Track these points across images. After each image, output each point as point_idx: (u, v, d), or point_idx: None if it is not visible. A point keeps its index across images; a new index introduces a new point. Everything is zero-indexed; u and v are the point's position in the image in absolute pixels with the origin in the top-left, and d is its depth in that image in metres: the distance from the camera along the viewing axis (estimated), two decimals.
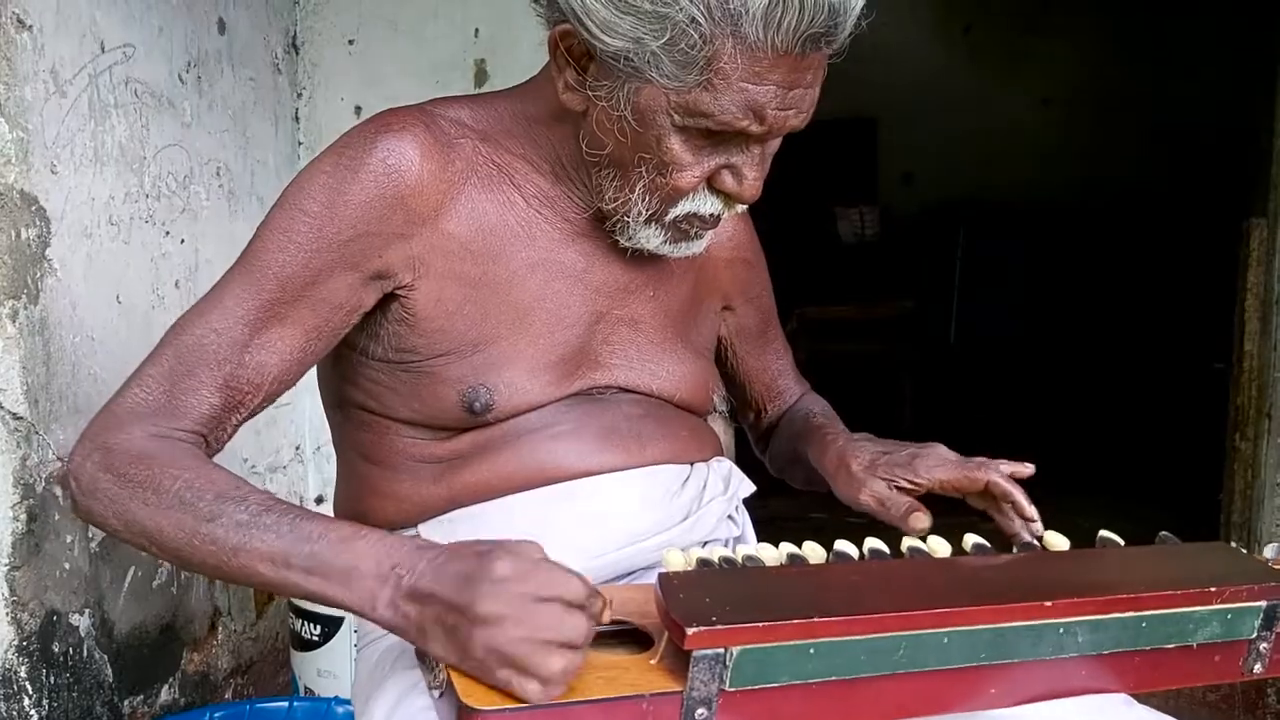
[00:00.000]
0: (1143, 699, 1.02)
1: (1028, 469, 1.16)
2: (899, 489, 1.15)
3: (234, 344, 1.02)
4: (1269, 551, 1.15)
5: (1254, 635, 1.00)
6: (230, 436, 1.05)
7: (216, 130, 2.20)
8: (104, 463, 0.96)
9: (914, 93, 6.28)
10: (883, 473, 1.16)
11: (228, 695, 2.23)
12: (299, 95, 2.53)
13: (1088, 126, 6.21)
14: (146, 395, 1.00)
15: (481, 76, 2.47)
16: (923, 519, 1.12)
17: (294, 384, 1.07)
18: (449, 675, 0.83)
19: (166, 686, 2.03)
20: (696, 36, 0.92)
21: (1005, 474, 1.13)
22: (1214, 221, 3.73)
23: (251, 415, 1.05)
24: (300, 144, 2.53)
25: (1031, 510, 1.12)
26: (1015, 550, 1.06)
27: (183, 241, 2.07)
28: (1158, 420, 4.97)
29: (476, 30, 2.47)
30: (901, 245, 6.06)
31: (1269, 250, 2.37)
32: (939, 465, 1.15)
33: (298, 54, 2.51)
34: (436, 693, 0.86)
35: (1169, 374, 5.23)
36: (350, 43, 2.52)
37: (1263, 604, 0.99)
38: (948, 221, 6.00)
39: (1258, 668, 1.02)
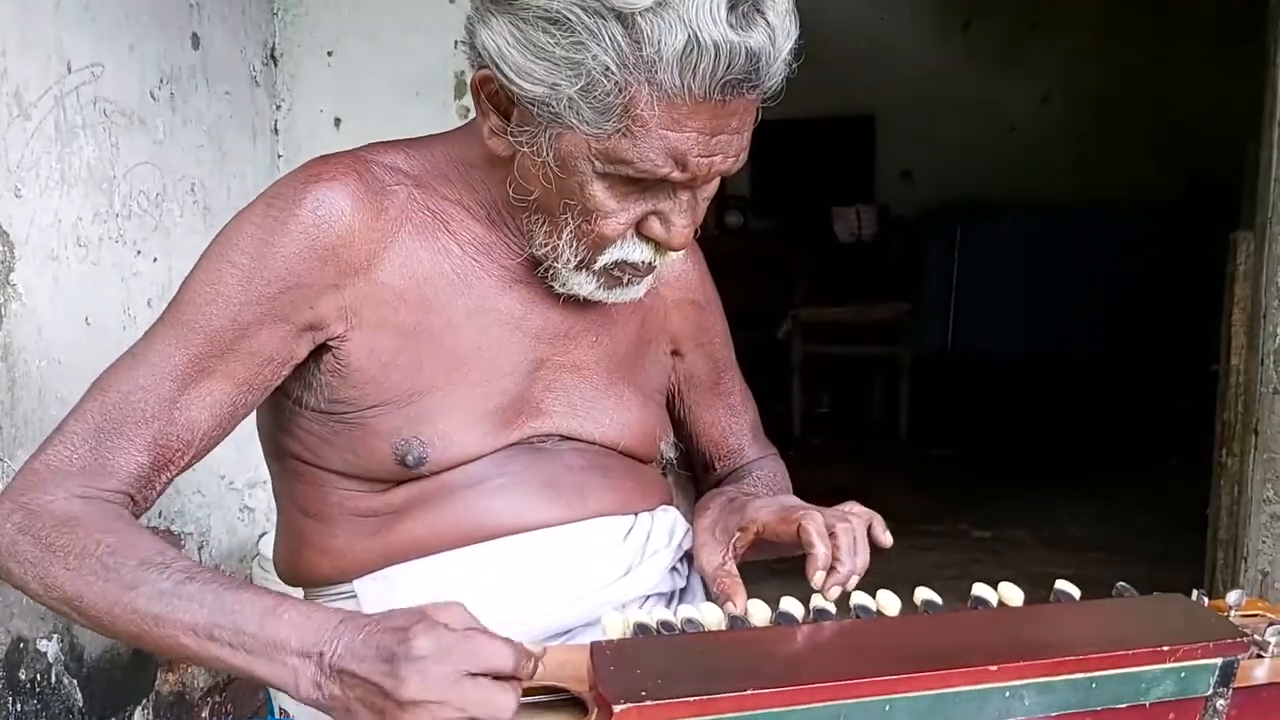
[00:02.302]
0: None
1: (881, 538, 1.08)
2: (741, 531, 1.10)
3: (162, 400, 0.99)
4: (1232, 598, 1.12)
5: (1210, 692, 0.98)
6: (159, 495, 1.03)
7: (191, 146, 2.18)
8: (24, 524, 0.94)
9: (912, 90, 6.25)
10: (720, 527, 1.12)
11: (205, 715, 2.22)
12: (278, 107, 2.51)
13: (1088, 124, 6.17)
14: (71, 453, 0.98)
15: (461, 88, 2.45)
16: (731, 609, 1.02)
17: (225, 438, 1.05)
18: None
19: (140, 709, 2.02)
20: (611, 84, 0.90)
21: (821, 525, 1.04)
22: (1215, 220, 3.70)
23: (180, 472, 1.03)
24: (280, 156, 2.51)
25: (818, 576, 1.02)
26: (969, 605, 1.04)
27: (155, 260, 2.06)
28: (1155, 423, 4.94)
29: (456, 42, 2.44)
30: (899, 245, 6.02)
31: (1256, 264, 2.33)
32: (765, 507, 1.10)
33: (276, 66, 2.49)
34: None
35: (1167, 375, 5.20)
36: (329, 54, 2.50)
37: (1218, 661, 0.97)
38: (946, 221, 5.96)
39: None
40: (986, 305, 5.78)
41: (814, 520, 1.04)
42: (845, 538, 1.03)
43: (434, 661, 0.78)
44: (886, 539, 1.08)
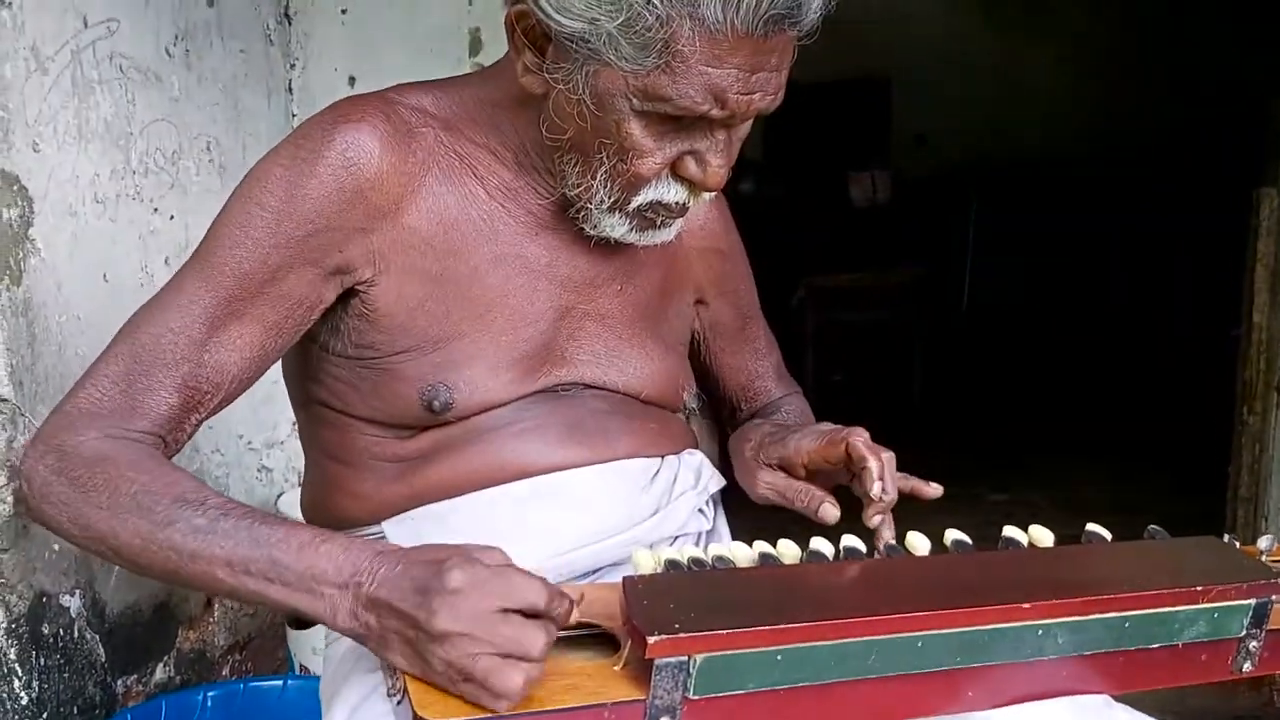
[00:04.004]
0: (1125, 699, 1.00)
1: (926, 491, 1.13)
2: (783, 469, 1.13)
3: (192, 343, 0.99)
4: (1263, 543, 1.11)
5: (1243, 633, 0.97)
6: (189, 437, 1.02)
7: (206, 104, 2.16)
8: (57, 466, 0.94)
9: (928, 53, 6.21)
10: (764, 455, 1.13)
11: (225, 672, 2.23)
12: (292, 66, 2.49)
13: (1104, 87, 6.12)
14: (102, 395, 0.98)
15: (476, 45, 2.43)
16: (831, 511, 1.08)
17: (254, 382, 1.04)
18: (405, 683, 0.81)
19: (161, 665, 2.03)
20: (653, 18, 0.89)
21: (868, 438, 1.08)
22: (1232, 182, 3.68)
23: (211, 415, 1.03)
24: (294, 115, 2.49)
25: (877, 485, 1.05)
26: (1000, 546, 1.03)
27: (172, 218, 2.05)
28: (1173, 386, 4.92)
29: None
30: (914, 209, 5.99)
31: (1279, 220, 2.32)
32: (806, 437, 1.11)
33: (290, 24, 2.47)
34: (395, 699, 0.84)
35: (1186, 339, 5.18)
36: (343, 12, 2.47)
37: (1251, 602, 0.96)
38: (961, 185, 5.93)
39: (1247, 666, 0.99)
40: (1002, 269, 5.75)
41: (861, 434, 1.08)
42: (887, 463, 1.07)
43: (466, 595, 0.79)
44: (932, 490, 1.13)
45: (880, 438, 1.16)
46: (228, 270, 1.00)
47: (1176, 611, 0.93)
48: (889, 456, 1.07)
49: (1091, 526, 1.06)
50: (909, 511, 1.08)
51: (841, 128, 6.30)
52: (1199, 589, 0.93)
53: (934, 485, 1.12)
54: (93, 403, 0.98)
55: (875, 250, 5.61)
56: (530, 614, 0.81)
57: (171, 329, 0.99)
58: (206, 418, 1.03)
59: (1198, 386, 4.29)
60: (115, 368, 0.99)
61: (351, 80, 2.48)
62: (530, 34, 0.97)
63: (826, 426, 1.13)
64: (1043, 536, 1.03)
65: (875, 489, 1.04)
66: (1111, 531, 1.05)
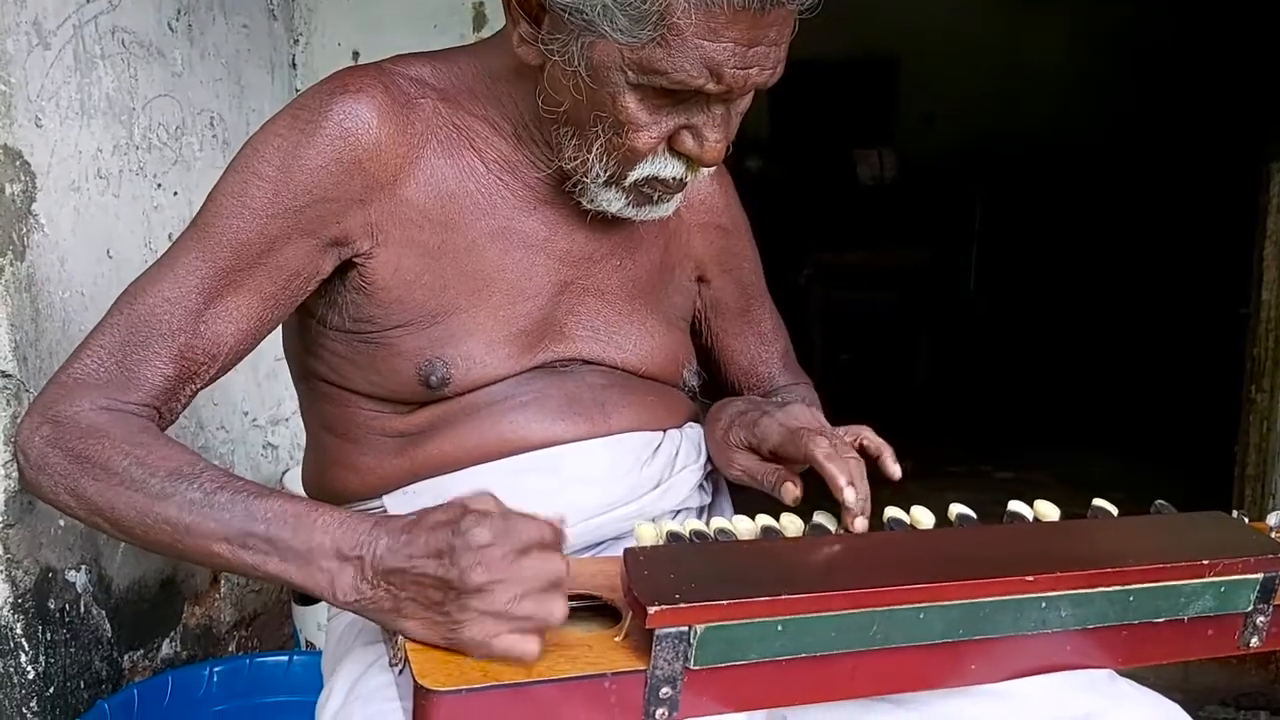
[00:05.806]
0: (1130, 674, 0.99)
1: (891, 468, 1.05)
2: (754, 450, 1.08)
3: (188, 313, 0.99)
4: (1273, 519, 1.11)
5: (1250, 608, 0.97)
6: (184, 407, 1.02)
7: (209, 79, 2.15)
8: (53, 437, 0.94)
9: (936, 32, 6.16)
10: (733, 437, 1.10)
11: (231, 648, 2.24)
12: (295, 41, 2.48)
13: (1112, 68, 6.08)
14: (97, 366, 0.97)
15: (480, 20, 2.42)
16: (792, 489, 1.03)
17: (250, 352, 1.04)
18: (406, 652, 0.81)
19: (168, 640, 2.04)
20: None
21: (826, 449, 1.00)
22: (1240, 161, 3.65)
23: (206, 385, 1.02)
24: (297, 91, 2.48)
25: (845, 495, 0.97)
26: (1004, 520, 1.03)
27: (175, 194, 2.04)
28: (1180, 367, 4.90)
29: None
30: (921, 190, 5.96)
31: None
32: (772, 430, 1.05)
33: None
34: (396, 669, 0.84)
35: (1193, 318, 5.15)
36: None
37: (1259, 576, 0.95)
38: (968, 164, 5.90)
39: (1254, 641, 0.99)
40: (1009, 251, 5.73)
41: (821, 445, 1.00)
42: (854, 466, 1.00)
43: (493, 546, 0.79)
44: (895, 470, 1.05)
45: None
46: (225, 240, 0.99)
47: (1182, 585, 0.93)
48: (856, 463, 1.01)
49: (1098, 502, 1.05)
50: (915, 487, 1.06)
51: (848, 106, 6.27)
52: (1205, 563, 0.93)
53: (897, 467, 1.05)
54: (88, 373, 0.98)
55: (883, 230, 5.59)
56: (547, 548, 0.82)
57: (167, 299, 0.99)
58: (201, 388, 1.02)
59: (1205, 368, 4.28)
60: (111, 338, 0.99)
61: (355, 55, 2.47)
62: (526, 4, 0.97)
63: (796, 421, 1.05)
64: (1048, 511, 1.03)
65: (847, 495, 0.97)
66: (1118, 510, 1.05)
